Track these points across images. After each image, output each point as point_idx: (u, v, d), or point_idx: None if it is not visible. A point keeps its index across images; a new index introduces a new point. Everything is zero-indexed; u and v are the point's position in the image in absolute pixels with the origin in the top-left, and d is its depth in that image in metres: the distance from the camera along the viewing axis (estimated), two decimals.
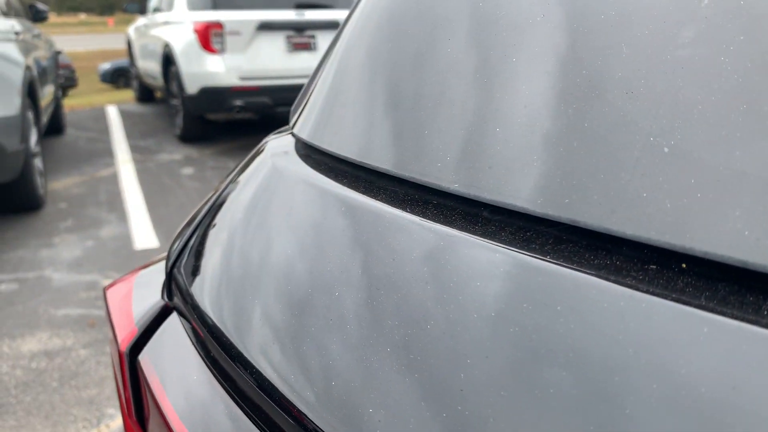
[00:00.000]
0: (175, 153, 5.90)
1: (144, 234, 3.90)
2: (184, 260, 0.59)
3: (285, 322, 0.44)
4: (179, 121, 6.18)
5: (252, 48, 5.53)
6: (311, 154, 0.57)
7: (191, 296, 0.53)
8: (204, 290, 0.52)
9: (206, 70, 5.50)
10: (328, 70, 0.59)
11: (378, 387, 0.36)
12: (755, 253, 0.29)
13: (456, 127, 0.43)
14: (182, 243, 0.61)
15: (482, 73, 0.43)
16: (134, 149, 6.08)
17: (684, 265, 0.32)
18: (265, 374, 0.42)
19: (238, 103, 5.52)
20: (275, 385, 0.41)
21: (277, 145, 0.62)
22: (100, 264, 3.45)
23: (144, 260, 3.47)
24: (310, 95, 0.61)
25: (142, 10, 8.39)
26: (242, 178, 0.60)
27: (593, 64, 0.37)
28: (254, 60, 5.53)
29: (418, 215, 0.42)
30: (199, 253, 0.57)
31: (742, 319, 0.28)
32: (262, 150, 0.63)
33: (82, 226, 4.04)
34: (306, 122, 0.58)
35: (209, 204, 0.63)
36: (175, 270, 0.59)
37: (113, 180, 5.08)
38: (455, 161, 0.42)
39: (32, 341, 2.65)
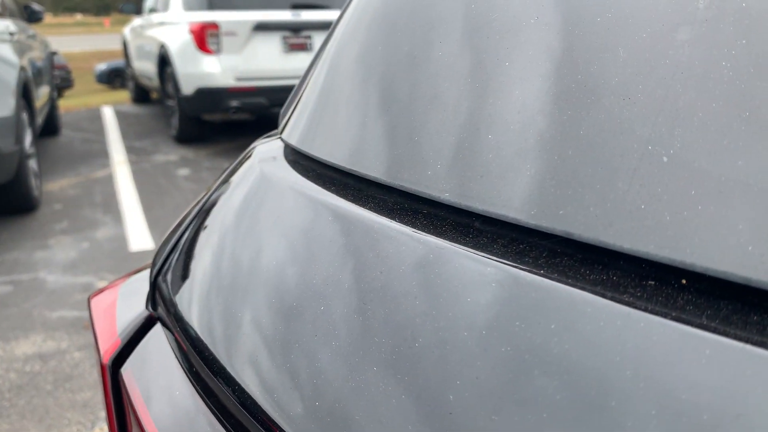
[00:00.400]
0: (170, 154, 5.88)
1: (139, 235, 3.88)
2: (168, 269, 0.57)
3: (269, 337, 0.42)
4: (175, 121, 6.15)
5: (248, 48, 5.51)
6: (299, 160, 0.56)
7: (174, 306, 0.51)
8: (187, 300, 0.51)
9: (202, 70, 5.48)
10: (317, 75, 0.57)
11: (362, 409, 0.35)
12: (759, 269, 0.28)
13: (447, 134, 0.41)
14: (167, 251, 0.59)
15: (474, 78, 0.42)
16: (130, 150, 6.06)
17: (684, 281, 0.31)
18: (248, 391, 0.40)
19: (234, 103, 5.50)
20: (258, 402, 0.39)
21: (265, 151, 0.61)
22: (95, 266, 3.43)
23: (139, 262, 3.45)
24: (299, 99, 0.59)
25: (138, 11, 8.36)
26: (229, 184, 0.59)
27: (589, 69, 0.36)
28: (250, 61, 5.51)
29: (408, 225, 0.41)
30: (183, 262, 0.55)
31: (747, 341, 0.26)
32: (250, 155, 0.61)
33: (77, 227, 4.01)
34: (295, 127, 0.57)
35: (195, 210, 0.61)
36: (159, 279, 0.57)
37: (109, 181, 5.05)
38: (446, 169, 0.40)
39: (26, 344, 2.63)
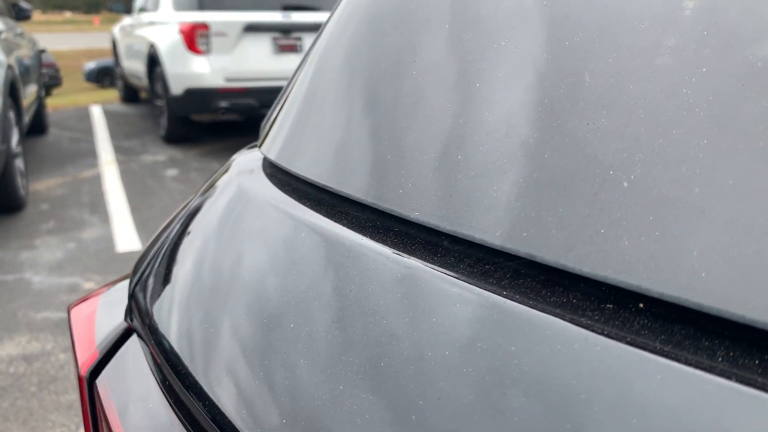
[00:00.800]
0: (159, 154, 5.85)
1: (126, 236, 3.86)
2: (145, 280, 0.57)
3: (242, 353, 0.42)
4: (164, 121, 6.13)
5: (238, 49, 5.50)
6: (277, 174, 0.56)
7: (150, 318, 0.51)
8: (163, 313, 0.51)
9: (191, 71, 5.46)
10: (298, 88, 0.58)
11: (326, 428, 0.35)
12: (711, 295, 0.28)
13: (418, 154, 0.42)
14: (146, 262, 0.60)
15: (447, 100, 0.42)
16: (118, 150, 6.03)
17: (641, 305, 0.32)
18: (219, 406, 0.41)
19: (224, 104, 5.49)
20: (229, 418, 0.40)
21: (244, 163, 0.61)
22: (81, 266, 3.41)
23: (126, 263, 3.43)
24: (279, 112, 0.60)
25: (128, 10, 8.32)
26: (207, 196, 0.59)
27: (555, 93, 0.37)
28: (240, 61, 5.50)
29: (379, 243, 0.41)
30: (160, 275, 0.56)
31: (697, 366, 0.27)
32: (229, 167, 0.62)
33: (63, 227, 3.99)
34: (273, 141, 0.57)
35: (175, 221, 0.61)
36: (137, 289, 0.57)
37: (96, 181, 5.03)
38: (417, 189, 0.41)
39: (11, 345, 2.61)
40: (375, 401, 0.34)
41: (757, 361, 0.27)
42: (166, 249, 0.58)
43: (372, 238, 0.42)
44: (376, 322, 0.37)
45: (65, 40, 24.43)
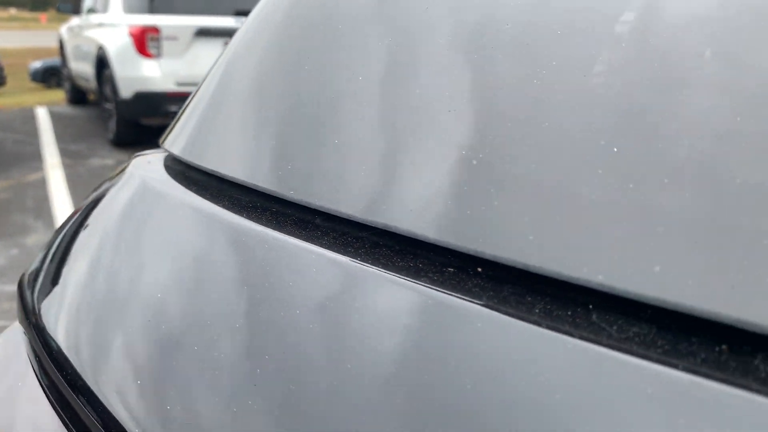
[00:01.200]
0: (107, 158, 5.75)
1: None
2: (35, 274, 0.56)
3: (140, 362, 0.42)
4: (112, 125, 6.02)
5: (190, 53, 5.46)
6: (177, 167, 0.57)
7: (36, 316, 0.50)
8: (52, 311, 0.50)
9: (141, 74, 5.39)
10: (206, 86, 0.59)
11: None
12: (535, 256, 0.31)
13: (300, 139, 0.44)
14: (41, 256, 0.59)
15: (327, 90, 0.45)
16: (64, 153, 5.90)
17: (480, 269, 0.34)
18: (111, 411, 0.40)
19: (174, 108, 5.43)
20: (122, 423, 0.39)
21: (143, 157, 0.62)
22: None
23: None
24: (185, 109, 0.61)
25: (76, 10, 8.16)
26: (104, 191, 0.59)
27: (424, 83, 0.39)
28: (192, 66, 5.45)
29: (255, 222, 0.43)
30: (51, 270, 0.55)
31: (513, 316, 0.30)
32: (129, 163, 0.62)
33: (6, 233, 3.88)
34: (177, 136, 0.58)
35: (74, 216, 0.61)
36: (25, 284, 0.56)
37: (41, 185, 4.91)
38: (292, 170, 0.43)
39: None
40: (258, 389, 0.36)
41: (569, 312, 0.30)
42: (60, 244, 0.57)
43: (248, 217, 0.44)
44: (244, 288, 0.39)
45: (10, 37, 23.71)
